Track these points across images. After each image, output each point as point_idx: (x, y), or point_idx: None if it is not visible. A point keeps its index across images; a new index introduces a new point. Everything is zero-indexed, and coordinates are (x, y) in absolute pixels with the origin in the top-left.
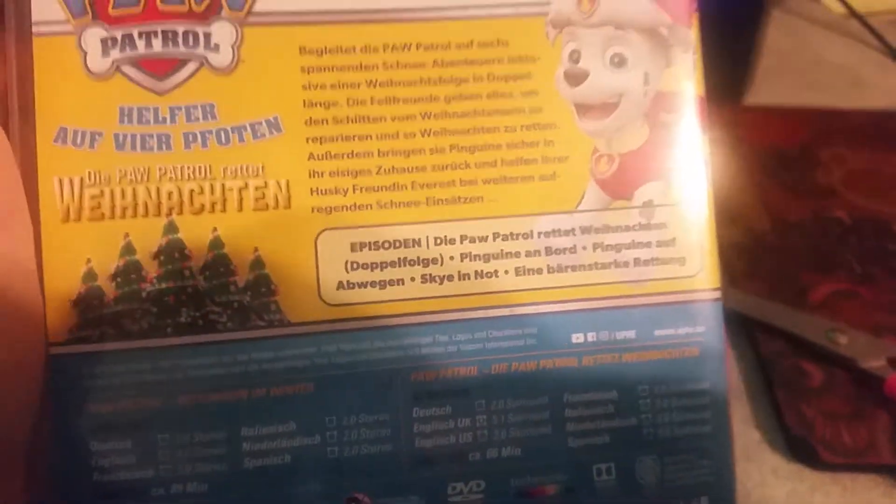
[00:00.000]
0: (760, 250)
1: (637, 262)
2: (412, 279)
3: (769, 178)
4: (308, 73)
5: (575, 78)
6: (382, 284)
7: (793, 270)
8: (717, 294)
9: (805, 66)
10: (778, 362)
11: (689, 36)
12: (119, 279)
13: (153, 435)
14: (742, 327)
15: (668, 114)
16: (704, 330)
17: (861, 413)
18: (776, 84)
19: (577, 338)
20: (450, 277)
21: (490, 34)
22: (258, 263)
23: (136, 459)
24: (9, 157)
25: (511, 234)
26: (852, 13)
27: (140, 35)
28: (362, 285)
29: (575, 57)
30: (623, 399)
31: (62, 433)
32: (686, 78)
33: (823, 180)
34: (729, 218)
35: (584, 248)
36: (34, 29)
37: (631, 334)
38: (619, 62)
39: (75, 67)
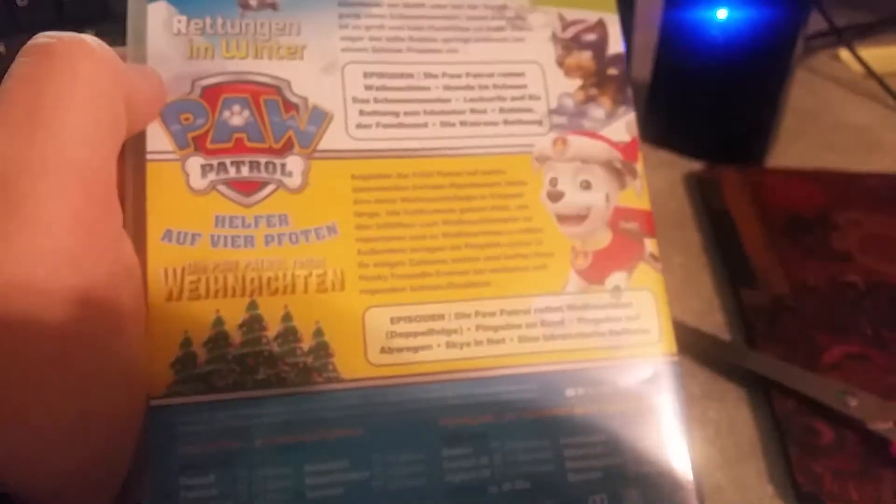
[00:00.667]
0: (779, 313)
1: (612, 332)
2: (438, 346)
3: (789, 242)
4: (357, 192)
5: (554, 197)
6: (415, 350)
7: (809, 333)
8: (675, 357)
9: (825, 128)
10: (791, 421)
11: (636, 167)
12: (210, 345)
13: (233, 471)
14: (759, 387)
15: (626, 223)
16: (669, 383)
17: (869, 471)
18: (797, 146)
19: (570, 392)
20: (468, 344)
21: (491, 166)
22: (319, 333)
23: (218, 492)
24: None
25: (514, 310)
26: (870, 73)
27: (231, 164)
28: (399, 350)
29: (554, 182)
30: (609, 442)
31: (156, 472)
32: (636, 197)
33: (839, 245)
34: (751, 280)
35: (571, 321)
36: (148, 157)
37: (610, 388)
38: (586, 186)
39: (180, 185)
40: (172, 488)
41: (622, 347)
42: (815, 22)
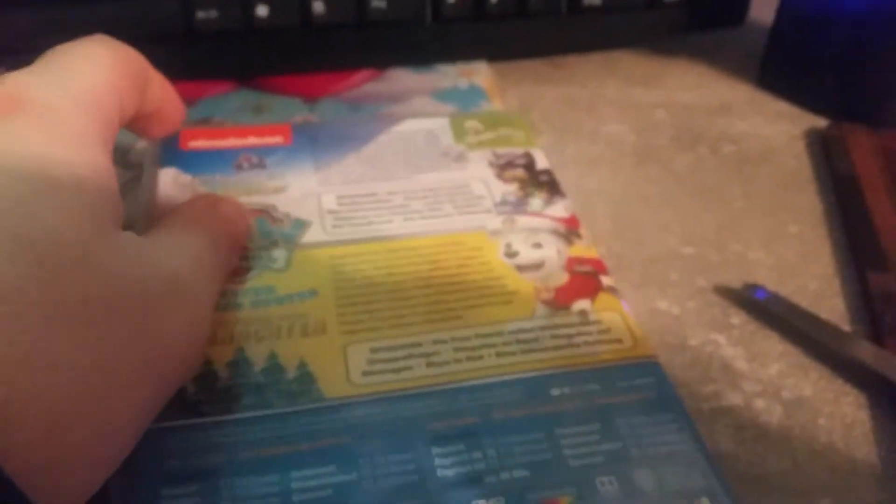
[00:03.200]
0: None
1: (586, 343)
2: (419, 366)
3: None
4: (335, 266)
5: (511, 255)
6: (397, 370)
7: None
8: (654, 359)
9: None
10: None
11: (580, 231)
12: (198, 381)
13: (216, 481)
14: (884, 391)
15: (580, 266)
16: (654, 380)
17: None
18: None
19: (555, 391)
20: (447, 363)
21: (451, 240)
22: (303, 364)
23: (201, 500)
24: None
25: (488, 333)
26: None
27: None
28: (381, 372)
29: (509, 246)
30: (605, 429)
31: (140, 481)
32: (584, 249)
33: None
34: (880, 261)
35: (545, 337)
36: None
37: (596, 386)
38: (537, 246)
39: None
40: (155, 496)
41: (599, 353)
42: None
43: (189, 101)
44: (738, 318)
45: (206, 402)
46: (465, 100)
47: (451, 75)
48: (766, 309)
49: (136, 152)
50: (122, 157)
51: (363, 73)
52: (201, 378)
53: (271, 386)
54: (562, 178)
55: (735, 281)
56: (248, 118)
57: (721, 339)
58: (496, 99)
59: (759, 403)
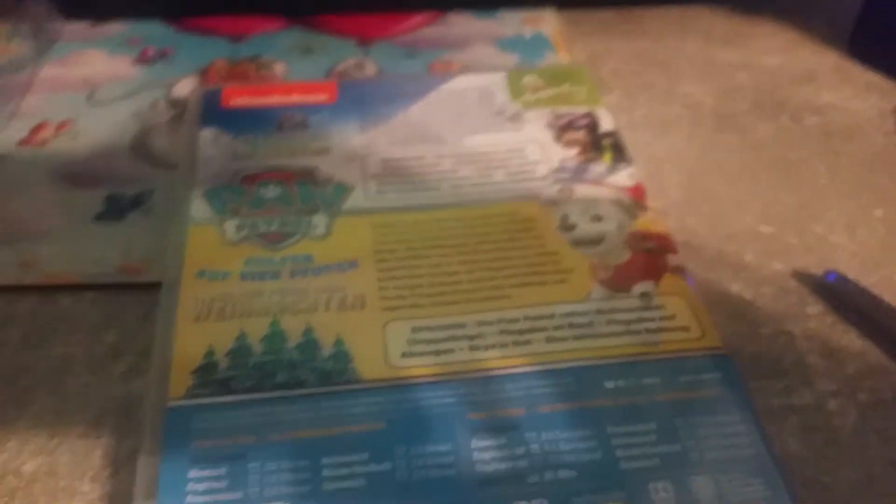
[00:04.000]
0: None
1: (647, 330)
2: (461, 349)
3: None
4: (377, 236)
5: (567, 228)
6: (437, 353)
7: None
8: (722, 350)
9: None
10: None
11: (645, 203)
12: (232, 355)
13: (244, 464)
14: None
15: (644, 242)
16: (721, 376)
17: None
18: None
19: (610, 384)
20: (492, 346)
21: (501, 210)
22: (339, 343)
23: (227, 484)
24: None
25: (538, 315)
26: None
27: (264, 222)
28: (421, 354)
29: (565, 218)
30: (663, 429)
31: (166, 464)
32: (650, 223)
33: None
34: None
35: (600, 322)
36: (191, 220)
37: (656, 380)
38: (597, 219)
39: (216, 240)
40: (181, 479)
41: (661, 343)
42: None
43: (239, 36)
44: (815, 308)
45: (238, 379)
46: (528, 50)
47: (514, 22)
48: (846, 300)
49: (178, 88)
50: (165, 94)
51: (421, 16)
52: (235, 352)
53: (305, 363)
54: (629, 141)
55: (814, 266)
56: (297, 59)
57: (795, 329)
58: (562, 50)
59: (833, 404)
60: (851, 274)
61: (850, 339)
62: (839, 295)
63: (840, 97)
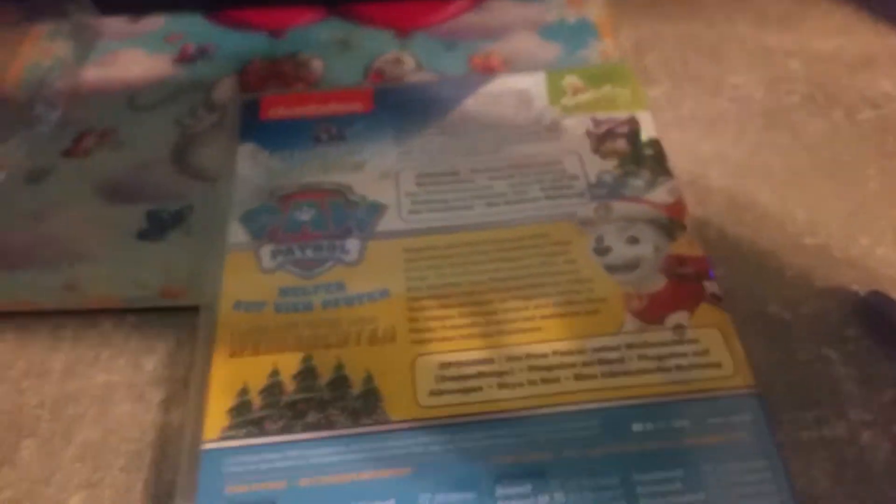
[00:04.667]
0: None
1: (678, 367)
2: (489, 387)
3: None
4: (408, 261)
5: (601, 252)
6: (465, 391)
7: None
8: (754, 389)
9: None
10: None
11: (684, 222)
12: (265, 393)
13: None
14: None
15: (680, 268)
16: (751, 418)
17: None
18: None
19: (637, 427)
20: (520, 384)
21: (535, 231)
22: (369, 379)
23: None
24: None
25: (567, 350)
26: None
27: (298, 248)
28: (449, 392)
29: (600, 240)
30: (689, 477)
31: None
32: (687, 245)
33: None
34: None
35: (631, 358)
36: (229, 247)
37: (685, 423)
38: (633, 241)
39: (253, 267)
40: None
41: (692, 381)
42: None
43: (277, 31)
44: (854, 330)
45: (270, 418)
46: (572, 37)
47: (558, 6)
48: (887, 321)
49: (218, 92)
50: (204, 98)
51: (460, 3)
52: (268, 390)
53: (335, 402)
54: (675, 140)
55: (858, 282)
56: (334, 55)
57: (833, 354)
58: (608, 37)
59: (867, 437)
60: (895, 292)
61: (890, 365)
62: (879, 316)
63: None
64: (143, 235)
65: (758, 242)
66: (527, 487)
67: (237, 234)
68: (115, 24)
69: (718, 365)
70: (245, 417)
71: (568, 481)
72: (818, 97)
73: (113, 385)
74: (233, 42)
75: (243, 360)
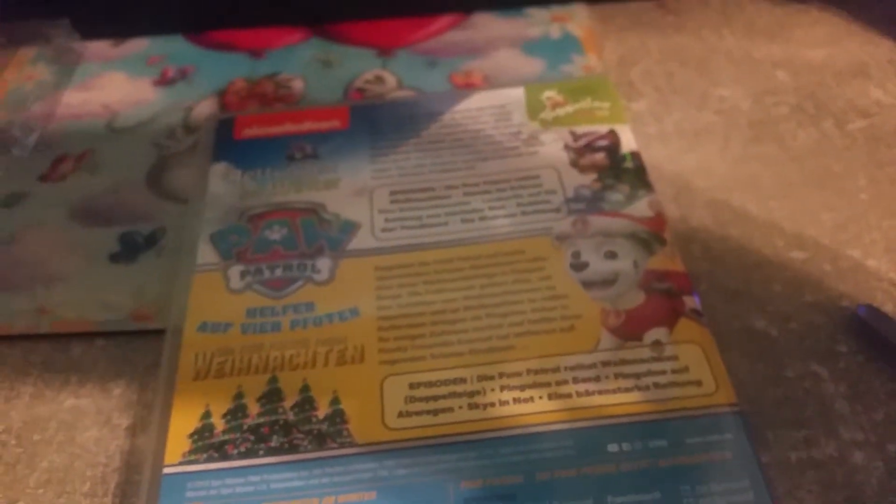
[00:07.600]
0: None
1: (657, 385)
2: (460, 407)
3: None
4: (380, 280)
5: (578, 267)
6: (435, 412)
7: None
8: (737, 407)
9: None
10: None
11: (664, 236)
12: (228, 416)
13: None
14: None
15: (659, 283)
16: (732, 437)
17: None
18: None
19: (613, 447)
20: (491, 404)
21: (510, 248)
22: (335, 401)
23: None
24: None
25: (541, 369)
26: None
27: (267, 268)
28: (418, 413)
29: (577, 255)
30: (667, 499)
31: None
32: (668, 260)
33: None
34: None
35: (607, 376)
36: (197, 269)
37: (663, 443)
38: (611, 255)
39: (220, 287)
40: None
41: (670, 399)
42: None
43: (259, 51)
44: (845, 345)
45: (233, 443)
46: (555, 52)
47: (541, 20)
48: (879, 336)
49: (196, 113)
50: (183, 120)
51: (444, 20)
52: (231, 413)
53: (300, 425)
54: (658, 153)
55: (847, 297)
56: (315, 74)
57: (823, 371)
58: (592, 51)
59: (858, 457)
60: (888, 306)
61: (881, 381)
62: (871, 330)
63: (891, 94)
64: (115, 258)
65: (744, 256)
66: None
67: (206, 254)
68: (97, 48)
69: (699, 382)
70: (207, 441)
71: None
72: (807, 107)
73: (81, 410)
74: (214, 63)
75: (207, 383)
